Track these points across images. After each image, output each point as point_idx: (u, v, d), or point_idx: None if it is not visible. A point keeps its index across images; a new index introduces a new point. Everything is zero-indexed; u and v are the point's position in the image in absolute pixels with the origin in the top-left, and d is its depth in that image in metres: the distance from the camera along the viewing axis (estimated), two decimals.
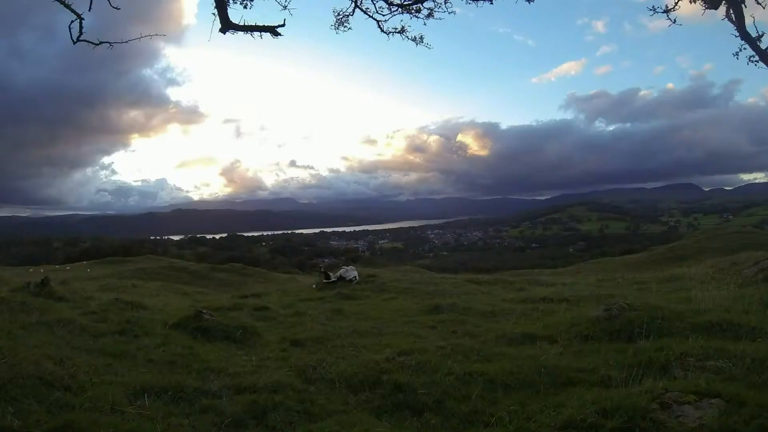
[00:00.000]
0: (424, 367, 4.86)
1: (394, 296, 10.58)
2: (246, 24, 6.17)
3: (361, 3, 7.09)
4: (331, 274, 13.11)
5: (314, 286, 12.98)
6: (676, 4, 7.08)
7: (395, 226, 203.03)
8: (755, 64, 6.64)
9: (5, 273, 20.20)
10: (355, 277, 12.73)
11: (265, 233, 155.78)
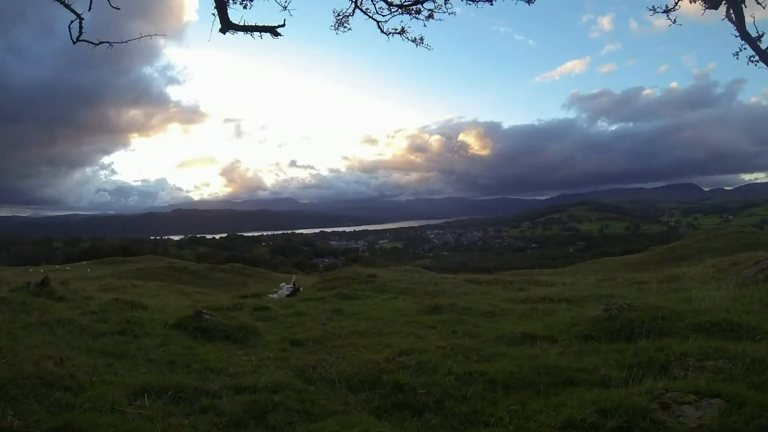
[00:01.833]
0: (424, 367, 4.86)
1: (394, 296, 10.58)
2: (246, 24, 6.17)
3: (361, 3, 7.08)
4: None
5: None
6: (676, 4, 7.08)
7: (395, 226, 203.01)
8: (755, 64, 6.64)
9: (5, 273, 20.19)
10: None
11: (265, 233, 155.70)
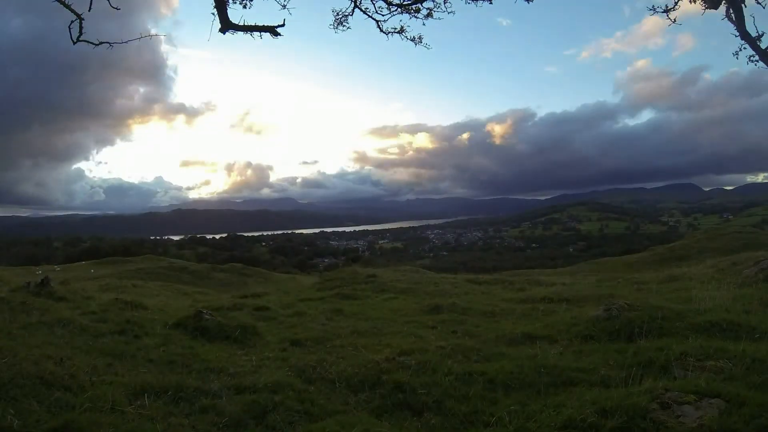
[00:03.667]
0: (424, 367, 4.86)
1: (394, 296, 10.59)
2: (246, 24, 6.18)
3: (361, 3, 7.09)
4: None
5: None
6: (676, 3, 7.08)
7: (395, 226, 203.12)
8: (755, 64, 6.65)
9: (5, 273, 20.18)
10: None
11: (265, 233, 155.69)
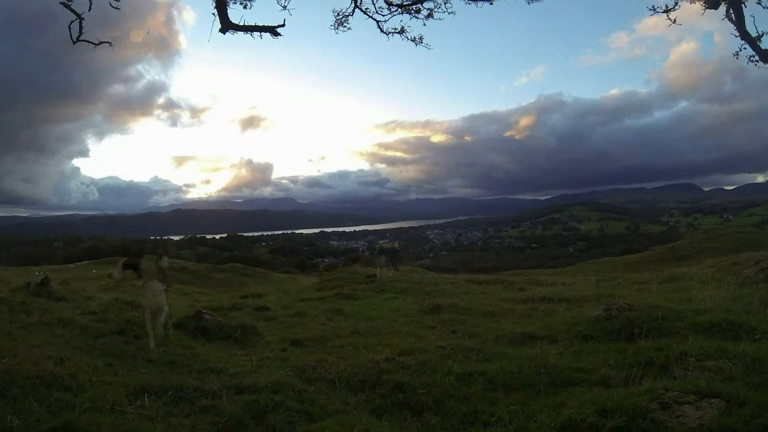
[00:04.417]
0: (424, 367, 4.86)
1: (394, 296, 10.58)
2: (246, 24, 6.20)
3: (361, 3, 7.11)
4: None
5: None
6: (676, 3, 7.09)
7: (395, 226, 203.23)
8: (755, 64, 6.66)
9: (5, 273, 20.16)
10: None
11: (265, 233, 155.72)
